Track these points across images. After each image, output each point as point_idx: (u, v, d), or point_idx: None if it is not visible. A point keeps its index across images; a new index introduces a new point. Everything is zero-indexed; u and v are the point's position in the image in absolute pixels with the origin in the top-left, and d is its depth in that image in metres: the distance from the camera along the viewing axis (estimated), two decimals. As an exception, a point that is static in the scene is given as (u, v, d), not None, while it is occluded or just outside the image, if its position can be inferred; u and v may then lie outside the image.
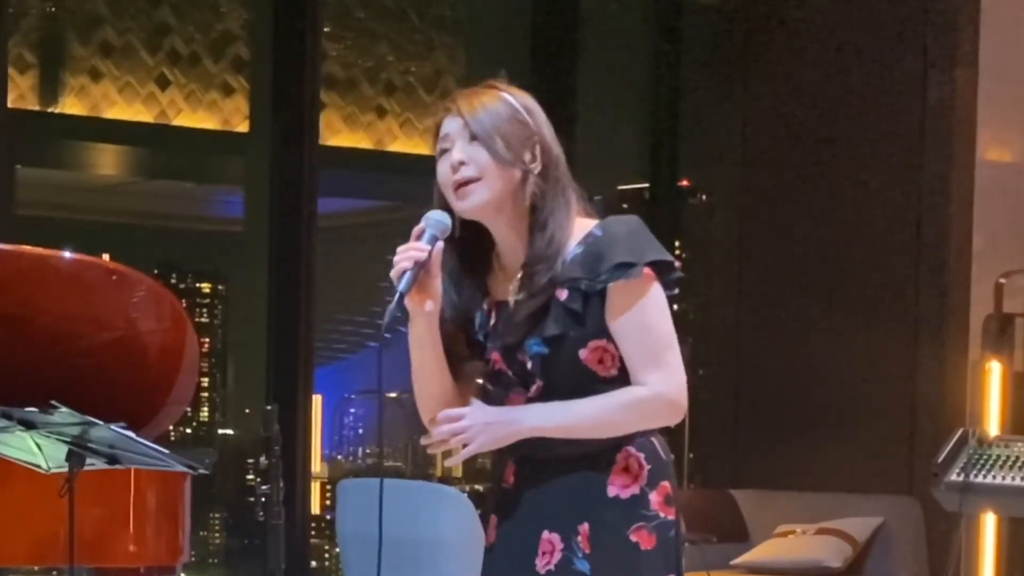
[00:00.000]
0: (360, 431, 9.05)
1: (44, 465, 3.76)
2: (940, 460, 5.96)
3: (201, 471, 3.91)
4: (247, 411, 8.41)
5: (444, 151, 2.93)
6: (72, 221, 8.61)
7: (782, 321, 7.99)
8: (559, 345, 2.89)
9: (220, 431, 8.68)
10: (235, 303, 8.64)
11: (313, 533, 7.96)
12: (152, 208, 9.00)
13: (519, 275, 2.93)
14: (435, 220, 2.91)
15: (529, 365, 2.90)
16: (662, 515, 2.93)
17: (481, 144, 2.89)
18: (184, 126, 7.58)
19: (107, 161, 8.34)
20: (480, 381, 2.99)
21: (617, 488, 2.91)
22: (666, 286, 2.94)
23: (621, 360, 2.91)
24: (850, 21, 7.77)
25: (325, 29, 7.85)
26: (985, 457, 5.92)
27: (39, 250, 4.61)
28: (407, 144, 8.11)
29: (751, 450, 8.09)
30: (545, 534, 2.93)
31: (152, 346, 4.73)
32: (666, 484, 2.95)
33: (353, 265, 8.79)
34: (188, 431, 8.49)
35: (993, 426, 6.62)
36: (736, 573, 7.18)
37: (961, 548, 6.61)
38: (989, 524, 6.75)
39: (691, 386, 2.97)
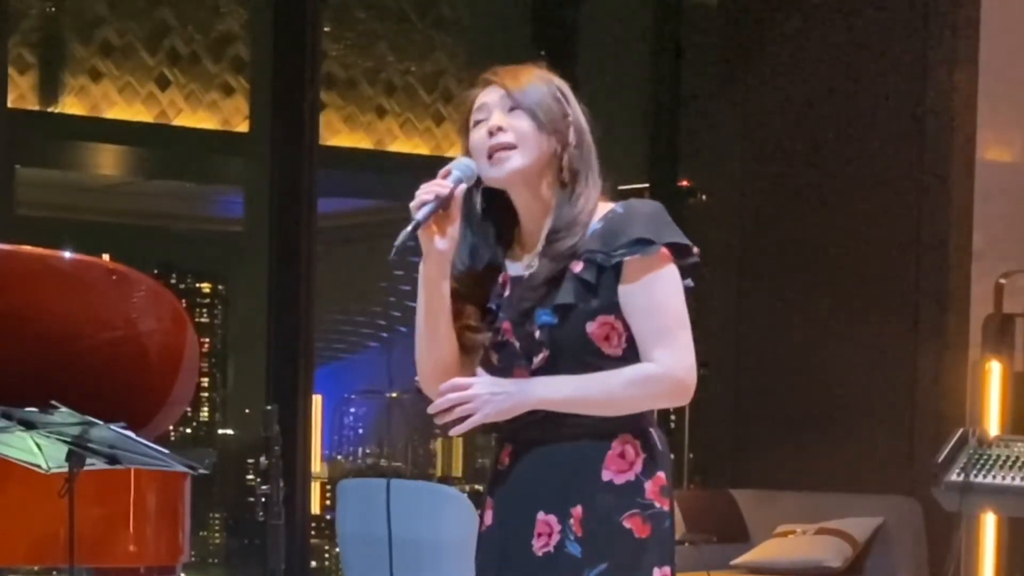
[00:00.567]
0: (360, 431, 9.05)
1: (44, 465, 3.76)
2: (940, 460, 5.96)
3: (201, 471, 3.91)
4: (247, 411, 8.41)
5: (479, 122, 2.95)
6: (72, 221, 8.60)
7: (782, 321, 7.98)
8: (567, 315, 2.89)
9: (220, 431, 8.68)
10: (235, 303, 8.64)
11: (313, 533, 7.96)
12: (152, 208, 9.00)
13: (540, 245, 2.94)
14: (463, 164, 2.93)
15: (537, 335, 2.90)
16: (657, 504, 2.91)
17: (524, 112, 2.92)
18: (184, 126, 7.59)
19: (107, 161, 8.34)
20: (486, 351, 2.97)
21: (611, 473, 2.90)
22: (682, 272, 2.96)
23: (627, 340, 2.90)
24: (850, 21, 7.77)
25: (325, 29, 7.86)
26: (985, 457, 5.92)
27: (39, 250, 4.61)
28: (407, 144, 8.12)
29: (751, 450, 8.09)
30: (541, 515, 2.91)
31: (152, 346, 4.73)
32: (661, 475, 2.93)
33: (353, 265, 8.78)
34: (188, 431, 8.49)
35: (993, 426, 6.61)
36: (736, 573, 7.17)
37: (961, 548, 6.60)
38: (989, 524, 6.74)
39: (692, 384, 2.95)
